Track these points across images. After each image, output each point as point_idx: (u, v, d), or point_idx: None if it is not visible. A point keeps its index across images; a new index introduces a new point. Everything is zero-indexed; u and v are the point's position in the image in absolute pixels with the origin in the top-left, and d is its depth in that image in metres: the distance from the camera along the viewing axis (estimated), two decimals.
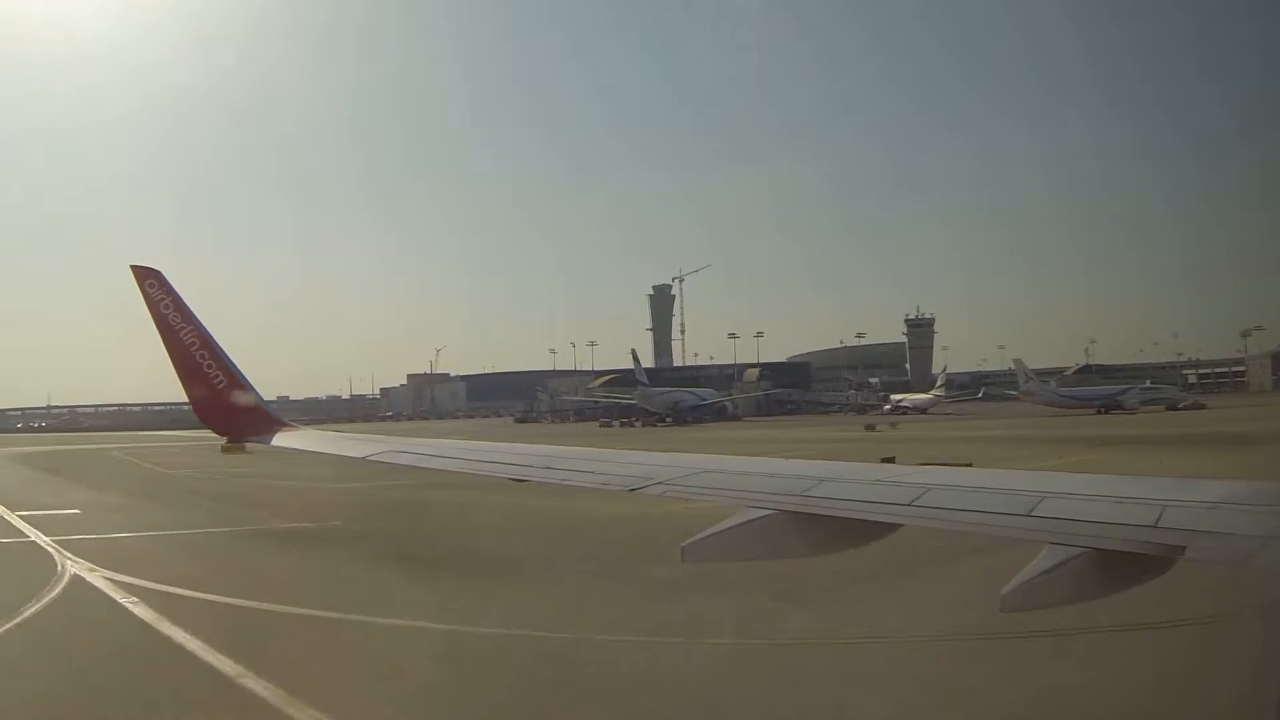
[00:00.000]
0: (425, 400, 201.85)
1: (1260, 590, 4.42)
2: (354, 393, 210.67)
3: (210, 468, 46.07)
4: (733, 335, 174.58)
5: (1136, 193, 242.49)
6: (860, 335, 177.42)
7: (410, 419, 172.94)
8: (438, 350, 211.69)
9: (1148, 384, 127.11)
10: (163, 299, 9.71)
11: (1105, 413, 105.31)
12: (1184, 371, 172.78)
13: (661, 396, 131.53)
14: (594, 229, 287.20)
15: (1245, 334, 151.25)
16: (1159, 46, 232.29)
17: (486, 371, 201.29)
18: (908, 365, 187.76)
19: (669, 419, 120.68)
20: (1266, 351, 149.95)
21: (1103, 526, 4.73)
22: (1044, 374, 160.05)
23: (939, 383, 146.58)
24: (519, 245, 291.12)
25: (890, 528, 5.20)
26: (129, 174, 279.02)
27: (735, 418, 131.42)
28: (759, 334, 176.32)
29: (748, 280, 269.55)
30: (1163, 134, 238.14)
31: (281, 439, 9.41)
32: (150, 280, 9.75)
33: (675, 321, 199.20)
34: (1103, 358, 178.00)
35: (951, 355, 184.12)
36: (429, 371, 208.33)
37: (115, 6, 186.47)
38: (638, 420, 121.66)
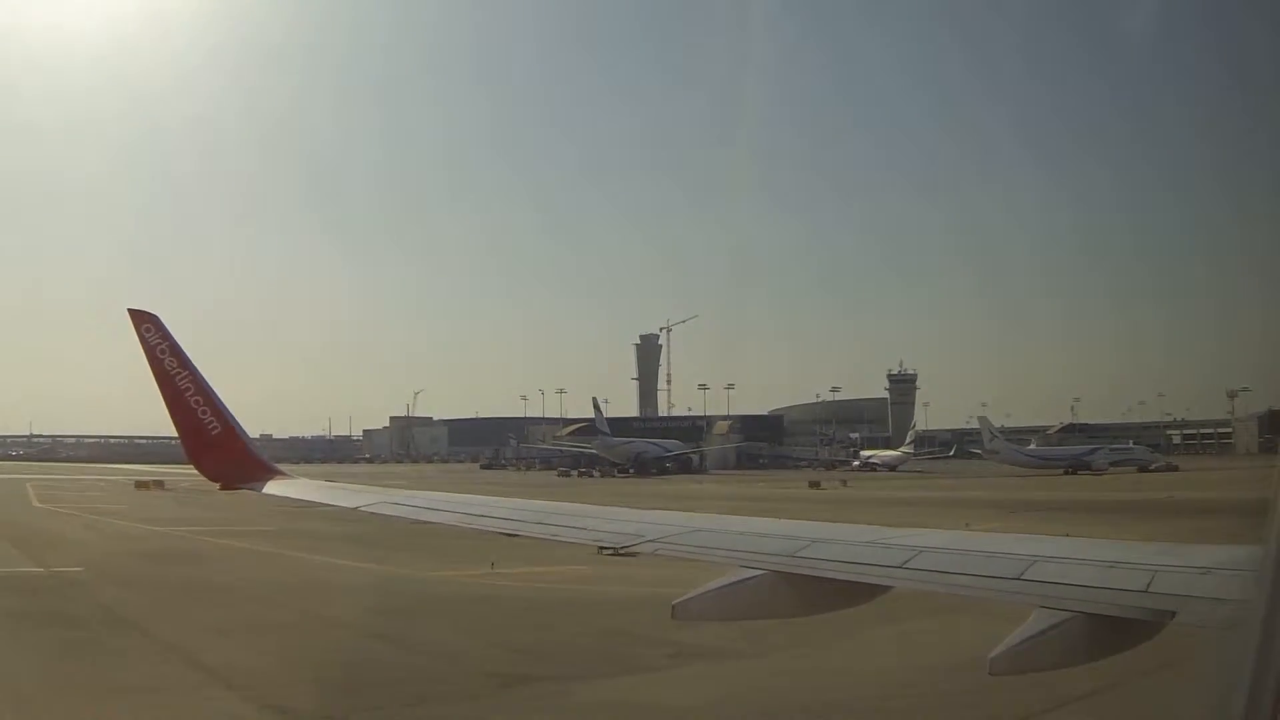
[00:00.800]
0: (407, 443, 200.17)
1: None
2: (335, 434, 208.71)
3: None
4: (703, 386, 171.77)
5: (1123, 251, 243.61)
6: (835, 390, 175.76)
7: (386, 462, 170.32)
8: (415, 394, 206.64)
9: (1124, 445, 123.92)
10: (159, 343, 9.74)
11: (1073, 473, 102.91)
12: (1169, 432, 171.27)
13: (623, 447, 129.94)
14: (586, 276, 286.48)
15: (1232, 395, 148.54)
16: (1141, 97, 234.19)
17: (469, 417, 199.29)
18: (889, 421, 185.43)
19: (631, 470, 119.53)
20: (1253, 413, 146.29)
21: (1093, 591, 4.72)
22: (1027, 432, 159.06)
23: (909, 439, 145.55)
24: (507, 288, 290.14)
25: (881, 589, 5.20)
26: (114, 207, 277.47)
27: (701, 470, 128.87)
28: (730, 386, 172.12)
29: (736, 332, 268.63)
30: (1148, 191, 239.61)
31: (273, 487, 9.36)
32: (147, 324, 9.78)
33: (662, 371, 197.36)
34: (1090, 417, 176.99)
35: (934, 412, 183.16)
36: (410, 414, 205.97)
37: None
38: (596, 470, 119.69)
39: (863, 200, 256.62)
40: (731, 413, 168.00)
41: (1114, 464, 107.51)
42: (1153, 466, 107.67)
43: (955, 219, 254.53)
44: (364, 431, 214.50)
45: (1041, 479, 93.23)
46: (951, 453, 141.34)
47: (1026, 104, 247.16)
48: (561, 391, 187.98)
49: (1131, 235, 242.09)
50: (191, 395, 9.68)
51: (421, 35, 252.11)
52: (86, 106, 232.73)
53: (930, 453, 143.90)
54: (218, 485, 9.80)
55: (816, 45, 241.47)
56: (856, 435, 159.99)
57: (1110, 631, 4.60)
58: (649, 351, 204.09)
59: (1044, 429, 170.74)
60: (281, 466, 10.84)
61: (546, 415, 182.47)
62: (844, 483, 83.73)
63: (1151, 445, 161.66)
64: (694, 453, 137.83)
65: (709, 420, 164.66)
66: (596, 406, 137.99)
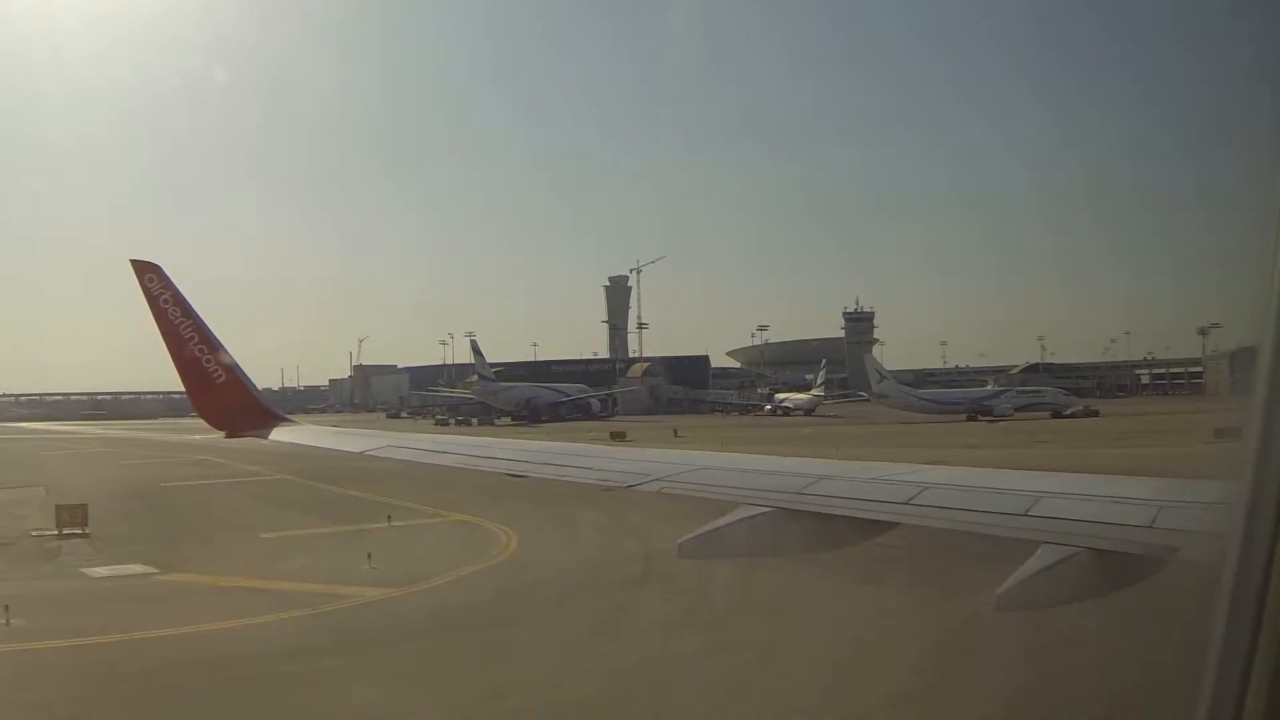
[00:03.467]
0: (362, 392, 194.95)
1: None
2: (305, 384, 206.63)
3: None
4: (642, 325, 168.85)
5: (1100, 185, 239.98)
6: (763, 328, 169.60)
7: (339, 412, 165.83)
8: (360, 341, 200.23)
9: (1034, 388, 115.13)
10: (162, 293, 9.65)
11: (973, 419, 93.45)
12: (1137, 371, 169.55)
13: (507, 393, 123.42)
14: (557, 218, 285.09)
15: (1203, 331, 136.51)
16: (1129, 39, 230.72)
17: (433, 364, 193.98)
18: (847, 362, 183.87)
19: (523, 417, 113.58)
20: (1225, 351, 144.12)
21: (1099, 526, 4.76)
22: (990, 372, 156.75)
23: (820, 380, 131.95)
24: (479, 232, 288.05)
25: (887, 526, 5.22)
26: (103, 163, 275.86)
27: (601, 415, 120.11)
28: (642, 325, 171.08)
29: (714, 273, 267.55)
30: (1128, 127, 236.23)
31: (279, 434, 9.38)
32: (150, 274, 9.70)
33: (633, 314, 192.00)
34: (1066, 356, 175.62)
35: (895, 351, 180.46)
36: (357, 363, 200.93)
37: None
38: (475, 419, 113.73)
39: (850, 138, 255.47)
40: (684, 354, 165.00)
41: (1022, 409, 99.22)
42: (1068, 411, 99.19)
43: (932, 153, 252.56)
44: (329, 381, 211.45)
45: (919, 425, 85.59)
46: (867, 396, 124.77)
47: (1020, 40, 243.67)
48: (470, 335, 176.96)
49: (1105, 165, 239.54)
50: (195, 344, 9.62)
51: None
52: (84, 68, 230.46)
53: (841, 395, 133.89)
54: (223, 433, 9.80)
55: None
56: (811, 377, 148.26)
57: (1115, 567, 4.61)
58: (619, 293, 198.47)
59: (1007, 369, 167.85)
60: None
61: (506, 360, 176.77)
62: (675, 431, 72.97)
63: (1119, 386, 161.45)
64: (594, 397, 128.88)
65: (620, 363, 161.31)
66: (475, 349, 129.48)
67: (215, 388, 9.64)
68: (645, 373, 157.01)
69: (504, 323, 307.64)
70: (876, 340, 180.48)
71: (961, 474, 5.86)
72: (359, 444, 8.63)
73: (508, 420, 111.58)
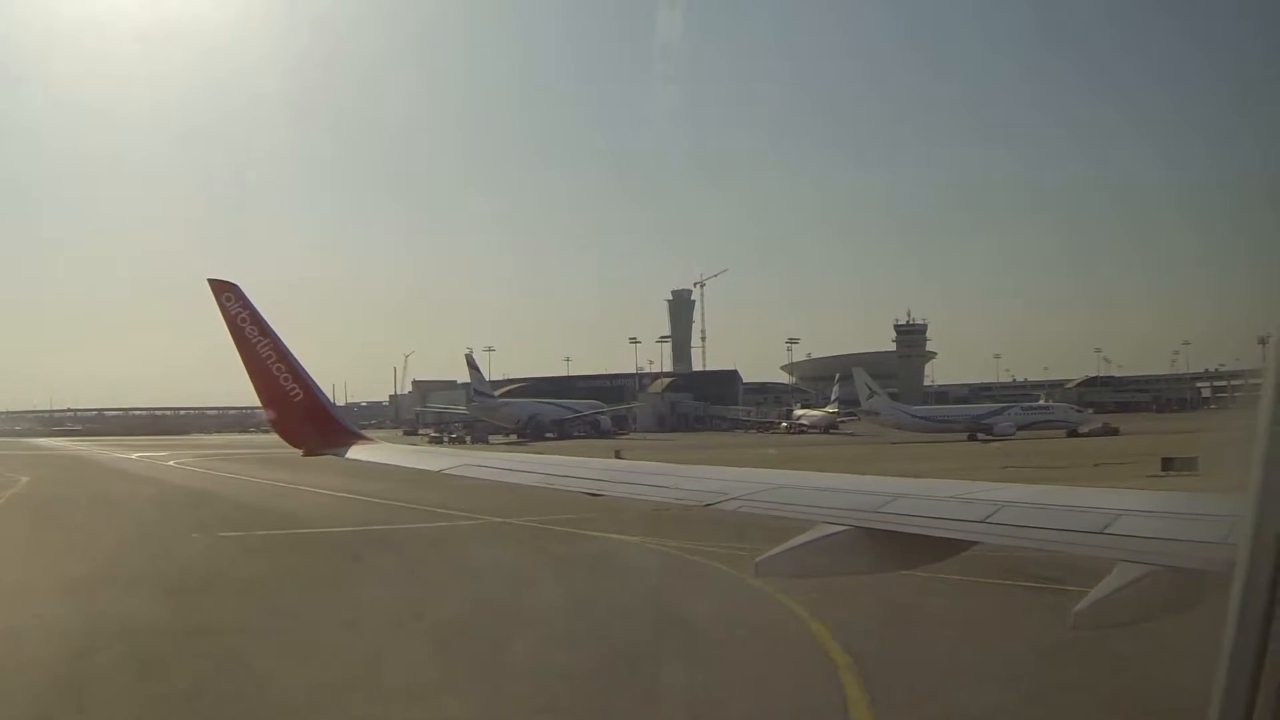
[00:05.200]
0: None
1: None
2: (367, 400, 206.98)
3: None
4: (633, 340, 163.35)
5: (1152, 190, 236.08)
6: (793, 341, 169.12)
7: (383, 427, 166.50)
8: (406, 356, 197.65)
9: (1040, 404, 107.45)
10: (240, 312, 9.89)
11: (973, 439, 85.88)
12: (1199, 385, 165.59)
13: (508, 409, 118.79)
14: (629, 232, 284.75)
15: (1263, 341, 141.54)
16: (1174, 49, 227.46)
17: (536, 376, 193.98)
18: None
19: (526, 434, 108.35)
20: None
21: (1175, 544, 4.73)
22: (1046, 386, 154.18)
23: (834, 395, 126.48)
24: (571, 244, 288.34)
25: (964, 544, 5.27)
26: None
27: (613, 433, 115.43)
28: (703, 338, 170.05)
29: (774, 286, 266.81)
30: (1177, 133, 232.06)
31: (356, 452, 9.57)
32: (227, 293, 9.92)
33: (696, 328, 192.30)
34: (1132, 368, 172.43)
35: (947, 366, 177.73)
36: (430, 379, 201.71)
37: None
38: (468, 436, 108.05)
39: (898, 152, 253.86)
40: (740, 369, 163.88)
41: (1028, 427, 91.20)
42: (1084, 430, 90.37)
43: (990, 164, 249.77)
44: (389, 397, 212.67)
45: (922, 445, 76.99)
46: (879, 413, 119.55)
47: (1062, 48, 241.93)
48: (490, 349, 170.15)
49: (1161, 173, 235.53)
50: (273, 362, 9.83)
51: None
52: (158, 86, 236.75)
53: (848, 413, 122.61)
54: (301, 451, 10.03)
55: None
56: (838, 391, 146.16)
57: (1191, 584, 4.63)
58: (681, 307, 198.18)
59: (1062, 383, 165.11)
60: None
61: (588, 373, 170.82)
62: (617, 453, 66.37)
63: (1180, 400, 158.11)
64: (603, 414, 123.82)
65: (640, 378, 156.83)
66: (471, 364, 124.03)
67: (293, 406, 9.83)
68: (668, 388, 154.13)
69: (564, 336, 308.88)
70: (930, 353, 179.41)
71: (1039, 492, 5.90)
72: (437, 463, 8.81)
73: (512, 438, 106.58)
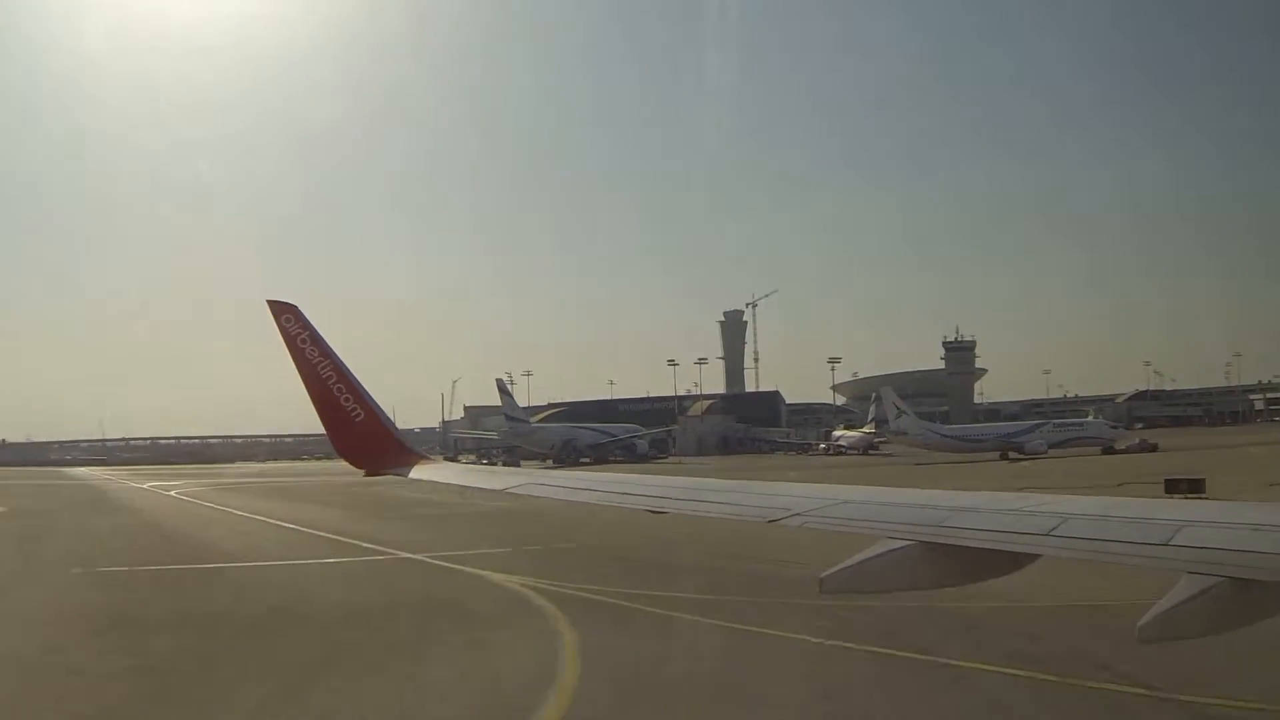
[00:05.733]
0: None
1: None
2: (421, 426, 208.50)
3: None
4: (672, 362, 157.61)
5: (1210, 200, 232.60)
6: (835, 360, 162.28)
7: (429, 452, 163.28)
8: (454, 382, 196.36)
9: (1075, 420, 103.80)
10: (299, 333, 9.96)
11: (1005, 458, 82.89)
12: (1251, 397, 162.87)
13: (541, 433, 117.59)
14: (676, 254, 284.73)
15: None
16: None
17: (577, 399, 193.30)
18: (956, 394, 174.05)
19: (561, 459, 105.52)
20: None
21: (1242, 555, 4.68)
22: (1094, 401, 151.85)
23: (870, 416, 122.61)
24: (608, 269, 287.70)
25: (1028, 558, 5.28)
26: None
27: (651, 457, 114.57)
28: (757, 359, 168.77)
29: (823, 306, 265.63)
30: (1236, 140, 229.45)
31: (418, 472, 9.65)
32: (287, 315, 9.99)
33: (749, 349, 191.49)
34: (1185, 381, 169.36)
35: (997, 383, 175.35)
36: (481, 405, 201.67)
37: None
38: (499, 460, 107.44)
39: (945, 168, 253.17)
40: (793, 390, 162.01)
41: (1061, 445, 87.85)
42: (1120, 446, 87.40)
43: (1028, 179, 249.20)
44: (442, 422, 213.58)
45: (957, 464, 75.22)
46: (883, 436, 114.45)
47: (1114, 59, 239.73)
48: (528, 374, 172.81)
49: (1220, 184, 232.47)
50: (334, 383, 9.88)
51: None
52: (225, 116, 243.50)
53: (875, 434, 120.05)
54: (363, 472, 10.18)
55: None
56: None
57: (1259, 596, 4.61)
58: (734, 329, 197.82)
59: (1111, 398, 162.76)
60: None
61: (630, 396, 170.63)
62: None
63: (1233, 413, 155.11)
64: (639, 437, 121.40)
65: (679, 401, 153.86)
66: (502, 389, 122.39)
67: (355, 426, 9.87)
68: (708, 411, 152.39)
69: (610, 360, 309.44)
70: (980, 370, 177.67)
71: (1103, 504, 5.89)
72: (498, 482, 8.88)
73: (548, 463, 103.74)
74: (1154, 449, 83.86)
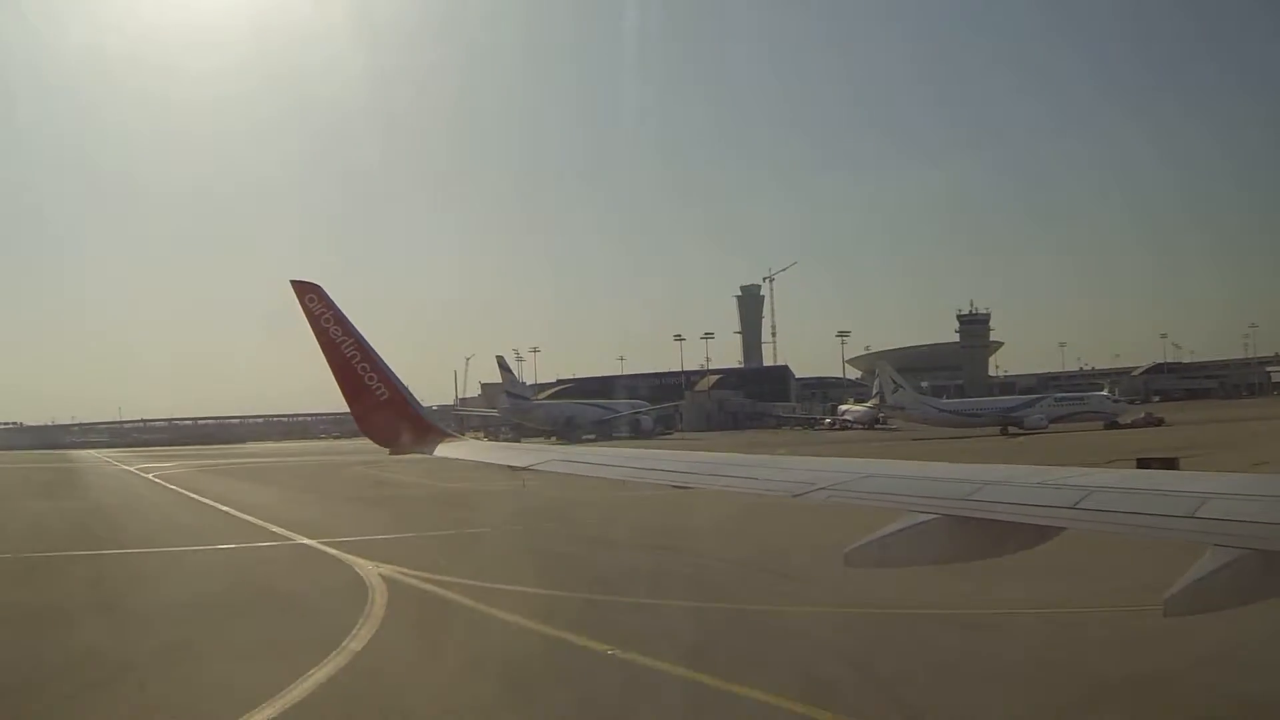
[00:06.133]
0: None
1: None
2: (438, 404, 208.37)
3: None
4: (679, 337, 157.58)
5: (1220, 175, 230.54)
6: (843, 335, 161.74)
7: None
8: (467, 360, 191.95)
9: (1074, 395, 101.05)
10: (323, 313, 9.99)
11: (1005, 433, 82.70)
12: (1268, 369, 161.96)
13: (543, 410, 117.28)
14: (687, 231, 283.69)
15: None
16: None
17: (586, 375, 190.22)
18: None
19: (563, 436, 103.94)
20: None
21: (1269, 528, 4.65)
22: (1111, 374, 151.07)
23: (875, 390, 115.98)
24: (627, 242, 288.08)
25: (1053, 531, 5.28)
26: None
27: (657, 433, 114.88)
28: (705, 334, 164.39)
29: (839, 280, 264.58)
30: (1240, 121, 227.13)
31: (444, 449, 9.66)
32: (310, 295, 10.03)
33: (766, 323, 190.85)
34: (1204, 354, 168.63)
35: (1013, 356, 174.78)
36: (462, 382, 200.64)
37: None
38: (505, 438, 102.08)
39: (991, 142, 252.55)
40: (805, 365, 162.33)
41: (1062, 419, 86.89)
42: (1124, 420, 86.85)
43: (1046, 159, 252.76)
44: (456, 399, 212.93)
45: (957, 440, 75.01)
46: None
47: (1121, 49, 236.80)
48: (535, 350, 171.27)
49: (1225, 159, 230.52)
50: (358, 362, 9.89)
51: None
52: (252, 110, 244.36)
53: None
54: (388, 450, 10.21)
55: None
56: (926, 385, 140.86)
57: None
58: (751, 303, 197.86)
59: (1128, 370, 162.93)
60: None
61: (639, 372, 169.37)
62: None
63: (1250, 386, 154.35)
64: (644, 413, 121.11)
65: (686, 376, 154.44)
66: (502, 365, 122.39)
67: (380, 405, 9.90)
68: (715, 386, 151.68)
69: (621, 336, 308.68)
70: (995, 344, 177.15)
71: (1127, 476, 5.89)
72: (522, 459, 8.88)
73: (552, 440, 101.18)
74: (1159, 423, 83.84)
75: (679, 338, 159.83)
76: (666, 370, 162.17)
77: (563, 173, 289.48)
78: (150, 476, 64.29)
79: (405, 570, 19.91)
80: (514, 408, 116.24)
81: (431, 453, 9.76)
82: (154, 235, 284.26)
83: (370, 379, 9.98)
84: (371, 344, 10.16)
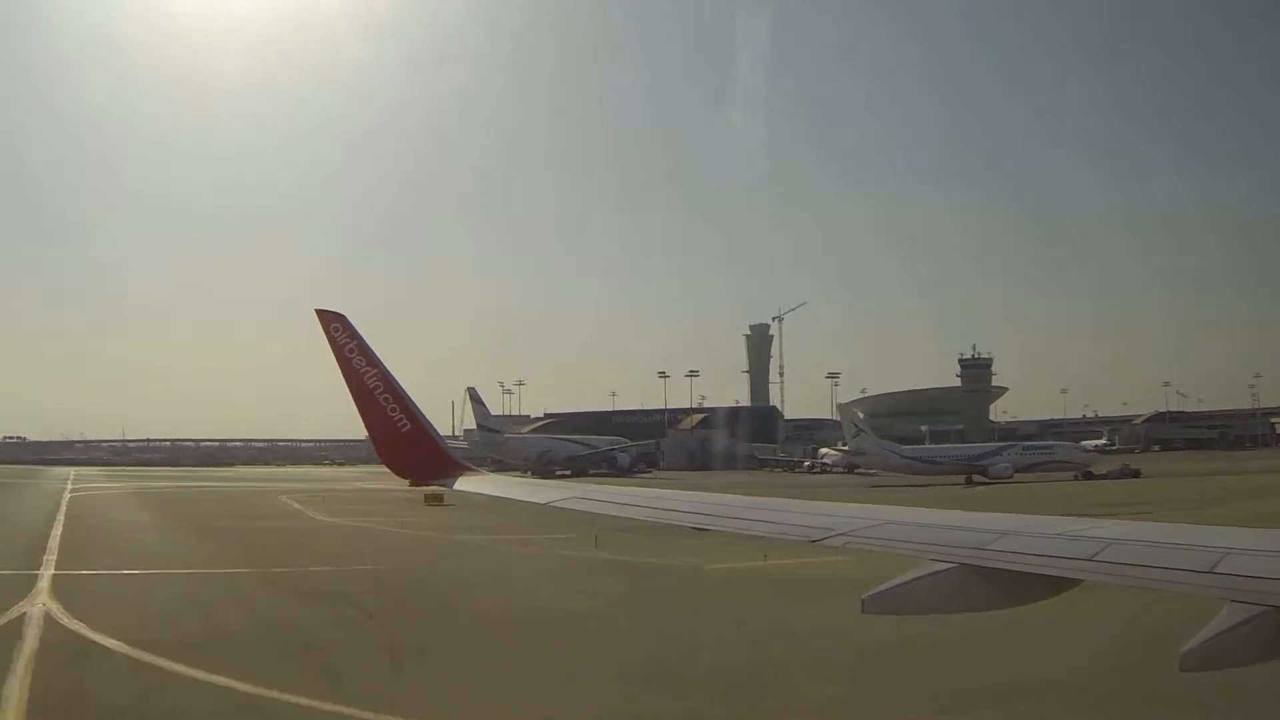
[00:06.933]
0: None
1: None
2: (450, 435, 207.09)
3: None
4: (663, 374, 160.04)
5: (1236, 218, 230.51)
6: (834, 376, 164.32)
7: None
8: (468, 390, 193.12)
9: (1043, 443, 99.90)
10: (347, 342, 10.05)
11: (969, 482, 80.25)
12: (1272, 420, 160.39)
13: (516, 444, 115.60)
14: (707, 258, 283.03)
15: None
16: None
17: (573, 410, 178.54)
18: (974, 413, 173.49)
19: (538, 471, 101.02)
20: None
21: None
22: (1112, 422, 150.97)
23: (852, 433, 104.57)
24: (634, 275, 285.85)
25: (1071, 583, 5.31)
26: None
27: (635, 470, 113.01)
28: (690, 373, 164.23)
29: (843, 320, 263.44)
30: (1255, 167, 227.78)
31: (463, 483, 9.68)
32: (335, 324, 10.07)
33: (774, 363, 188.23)
34: (1212, 404, 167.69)
35: (1017, 401, 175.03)
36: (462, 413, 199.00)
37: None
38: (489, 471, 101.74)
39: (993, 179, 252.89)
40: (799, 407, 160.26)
41: (1029, 469, 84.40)
42: (1099, 471, 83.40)
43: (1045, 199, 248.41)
44: (464, 430, 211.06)
45: (920, 488, 71.63)
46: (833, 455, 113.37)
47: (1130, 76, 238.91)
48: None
49: (1238, 205, 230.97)
50: (381, 393, 9.93)
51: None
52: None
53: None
54: (408, 482, 10.21)
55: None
56: (925, 429, 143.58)
57: None
58: (760, 342, 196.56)
59: (1129, 419, 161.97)
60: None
61: (626, 408, 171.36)
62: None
63: (1252, 437, 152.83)
64: (621, 450, 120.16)
65: (669, 414, 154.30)
66: (473, 397, 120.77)
67: (401, 436, 9.93)
68: (700, 425, 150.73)
69: (623, 372, 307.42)
70: (998, 389, 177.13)
71: (1146, 529, 5.91)
72: (543, 495, 8.82)
73: (527, 474, 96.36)
74: (1136, 475, 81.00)
75: (663, 374, 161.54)
76: (659, 407, 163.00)
77: (561, 201, 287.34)
78: (65, 497, 62.85)
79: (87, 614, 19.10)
80: (484, 440, 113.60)
81: (452, 485, 9.80)
82: (176, 251, 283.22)
83: (393, 410, 10.02)
84: (393, 374, 10.21)
